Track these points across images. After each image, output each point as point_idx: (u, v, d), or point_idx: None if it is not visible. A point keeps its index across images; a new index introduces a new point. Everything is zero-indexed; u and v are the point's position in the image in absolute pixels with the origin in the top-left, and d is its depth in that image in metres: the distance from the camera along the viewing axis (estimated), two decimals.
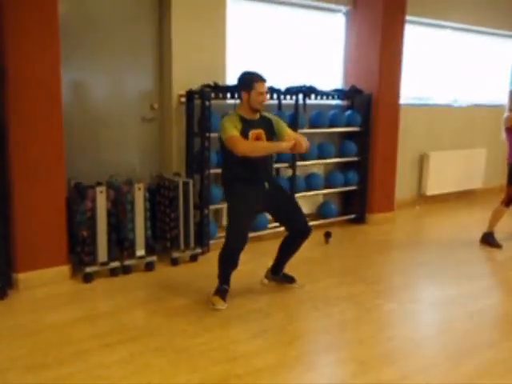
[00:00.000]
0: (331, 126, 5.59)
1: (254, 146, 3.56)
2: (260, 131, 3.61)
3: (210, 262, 4.30)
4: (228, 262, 3.63)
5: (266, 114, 3.76)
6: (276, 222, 4.06)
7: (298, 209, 3.81)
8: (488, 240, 5.15)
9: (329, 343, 3.26)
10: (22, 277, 3.82)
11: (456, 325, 3.46)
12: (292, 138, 3.61)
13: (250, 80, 3.60)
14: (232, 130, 3.50)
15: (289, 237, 3.83)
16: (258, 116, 3.66)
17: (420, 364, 2.95)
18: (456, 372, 2.87)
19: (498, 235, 5.17)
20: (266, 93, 3.64)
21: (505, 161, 5.08)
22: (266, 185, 3.70)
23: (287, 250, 3.86)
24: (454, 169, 7.02)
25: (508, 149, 5.02)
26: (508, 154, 5.03)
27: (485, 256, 5.00)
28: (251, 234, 4.24)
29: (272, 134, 3.69)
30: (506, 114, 4.97)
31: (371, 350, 3.09)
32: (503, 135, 5.06)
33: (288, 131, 3.73)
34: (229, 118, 3.62)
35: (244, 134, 3.54)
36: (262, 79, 3.60)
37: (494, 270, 4.79)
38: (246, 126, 3.57)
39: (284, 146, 3.58)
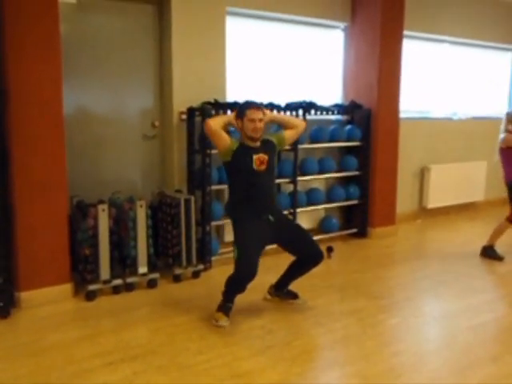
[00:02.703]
0: (331, 140, 5.61)
1: (216, 117, 3.80)
2: (262, 156, 3.64)
3: (213, 278, 4.32)
4: (236, 289, 3.60)
5: (268, 137, 3.80)
6: (287, 252, 3.87)
7: (306, 236, 3.78)
8: (488, 253, 5.15)
9: (332, 359, 3.24)
10: (24, 295, 3.82)
11: (459, 339, 3.45)
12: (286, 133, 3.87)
13: (242, 107, 3.67)
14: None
15: (301, 260, 3.77)
16: (258, 143, 3.68)
17: (424, 379, 2.93)
18: None
19: (501, 248, 5.17)
20: (261, 120, 3.60)
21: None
22: (271, 218, 3.67)
23: (296, 271, 3.83)
24: (454, 182, 7.03)
25: (505, 169, 5.04)
26: (506, 173, 5.05)
27: (487, 269, 4.99)
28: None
29: (276, 155, 3.77)
30: (502, 135, 4.99)
31: (375, 365, 3.08)
32: (496, 157, 5.08)
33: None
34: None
35: (247, 157, 3.60)
36: (254, 106, 3.63)
37: (496, 283, 4.78)
38: (249, 151, 3.62)
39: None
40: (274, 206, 3.78)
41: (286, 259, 3.84)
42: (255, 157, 3.61)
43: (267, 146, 3.72)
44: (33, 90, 3.74)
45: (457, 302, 4.10)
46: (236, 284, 3.57)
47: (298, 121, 3.98)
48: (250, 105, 3.66)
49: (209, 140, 4.54)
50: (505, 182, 5.06)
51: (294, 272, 3.84)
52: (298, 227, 3.88)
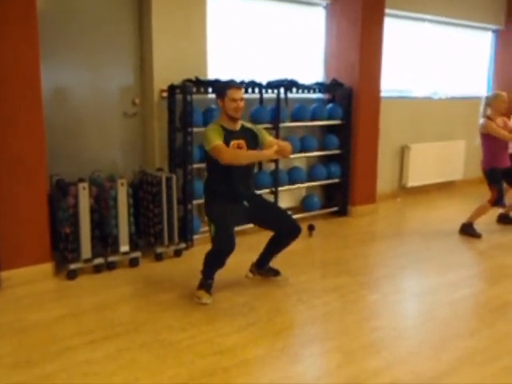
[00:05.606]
0: (313, 119, 5.61)
1: (238, 154, 3.55)
2: (241, 141, 3.60)
3: (194, 256, 4.32)
4: (215, 264, 3.61)
5: (248, 125, 3.78)
6: (266, 229, 3.91)
7: (282, 212, 3.84)
8: (467, 230, 5.23)
9: (314, 335, 3.29)
10: (4, 275, 3.79)
11: (438, 314, 3.52)
12: (274, 145, 3.61)
13: (222, 87, 3.62)
14: (215, 139, 3.49)
15: (279, 235, 3.81)
16: (238, 126, 3.66)
17: (404, 353, 2.99)
18: (439, 360, 2.92)
19: (479, 226, 5.25)
20: (242, 99, 3.59)
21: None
22: (245, 203, 3.70)
23: (275, 247, 3.86)
24: (434, 160, 7.11)
25: (483, 155, 5.11)
26: (483, 161, 5.12)
27: (465, 246, 5.07)
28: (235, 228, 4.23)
29: (255, 144, 3.68)
30: (481, 120, 5.04)
31: (356, 340, 3.13)
32: (478, 140, 5.14)
33: (269, 139, 3.76)
34: (211, 127, 3.64)
35: (225, 143, 3.53)
36: (234, 86, 3.61)
37: (474, 260, 4.87)
38: (227, 135, 3.57)
39: (267, 153, 3.57)
40: (249, 192, 3.78)
41: (267, 236, 3.86)
42: (232, 142, 3.57)
43: (247, 133, 3.69)
44: (10, 66, 3.67)
45: (436, 278, 4.17)
46: (216, 258, 3.58)
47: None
48: (230, 84, 3.63)
49: (190, 119, 4.53)
50: (481, 168, 5.13)
51: (273, 247, 3.87)
52: (274, 205, 3.92)
